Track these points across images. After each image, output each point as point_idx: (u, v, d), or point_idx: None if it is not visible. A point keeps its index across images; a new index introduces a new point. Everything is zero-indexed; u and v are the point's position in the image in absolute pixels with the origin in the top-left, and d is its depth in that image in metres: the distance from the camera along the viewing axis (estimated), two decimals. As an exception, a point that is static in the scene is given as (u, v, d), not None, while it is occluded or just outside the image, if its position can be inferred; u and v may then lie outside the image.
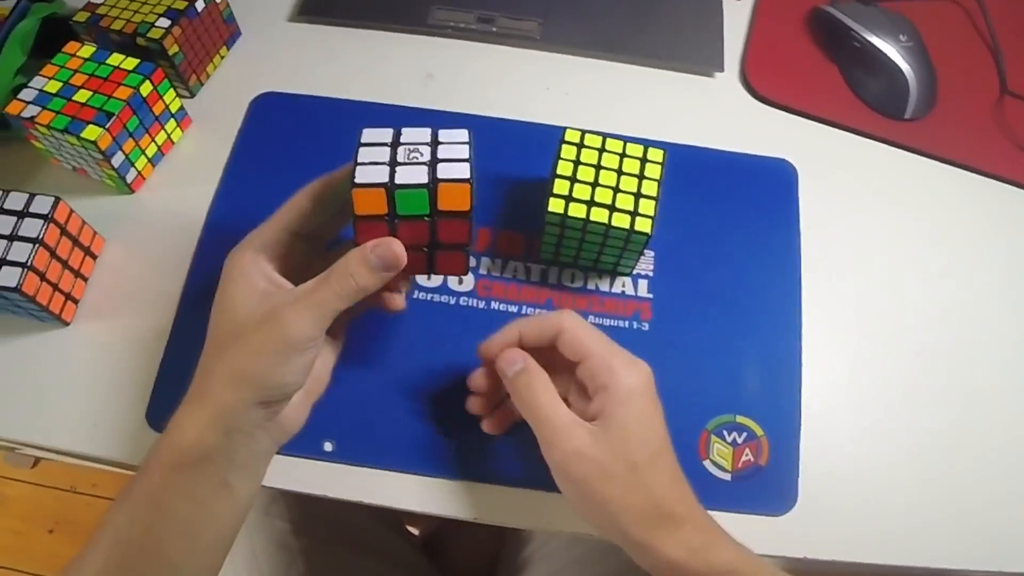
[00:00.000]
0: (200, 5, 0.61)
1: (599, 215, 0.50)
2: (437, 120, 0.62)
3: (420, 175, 0.42)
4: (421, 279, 0.55)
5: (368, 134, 0.44)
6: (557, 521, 0.49)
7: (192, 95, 0.64)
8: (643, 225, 0.50)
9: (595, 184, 0.51)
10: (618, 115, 0.64)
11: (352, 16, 0.68)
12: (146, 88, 0.56)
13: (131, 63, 0.56)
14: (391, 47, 0.67)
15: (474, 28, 0.67)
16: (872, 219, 0.61)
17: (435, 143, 0.44)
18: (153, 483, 0.41)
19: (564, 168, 0.51)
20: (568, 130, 0.53)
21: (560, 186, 0.51)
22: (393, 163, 0.43)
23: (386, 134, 0.45)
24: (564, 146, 0.52)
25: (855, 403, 0.54)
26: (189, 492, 0.41)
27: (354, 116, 0.62)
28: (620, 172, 0.52)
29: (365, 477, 0.50)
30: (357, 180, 0.41)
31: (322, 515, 0.70)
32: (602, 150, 0.52)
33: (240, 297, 0.43)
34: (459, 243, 0.45)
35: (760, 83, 0.67)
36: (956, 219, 0.62)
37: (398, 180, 0.42)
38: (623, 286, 0.56)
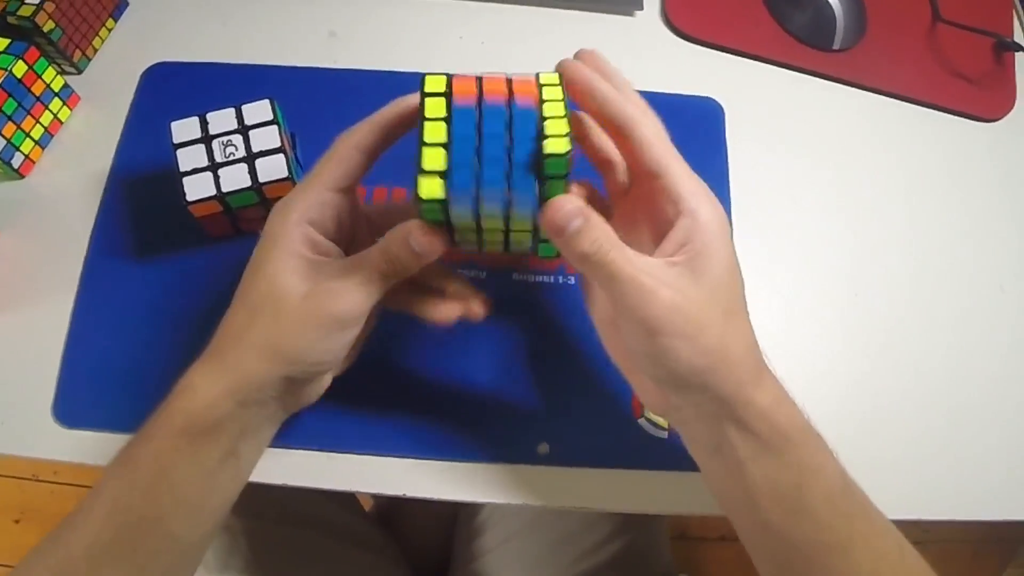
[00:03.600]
0: (76, -24, 0.57)
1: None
2: (344, 79, 0.59)
3: (243, 177, 0.48)
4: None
5: (177, 130, 0.48)
6: (511, 494, 0.48)
7: (79, 71, 0.60)
8: (556, 145, 0.35)
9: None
10: (536, 61, 0.59)
11: (248, -26, 0.64)
12: (20, 69, 0.52)
13: (1, 43, 0.53)
14: (291, 6, 0.64)
15: (379, -21, 0.64)
16: (803, 155, 0.60)
17: (244, 129, 0.48)
18: (158, 447, 0.39)
19: (433, 132, 0.36)
20: (427, 77, 0.38)
21: (431, 158, 0.35)
22: (214, 166, 0.48)
23: (194, 125, 0.48)
24: (427, 101, 0.37)
25: (792, 349, 0.52)
26: (197, 460, 0.39)
27: (254, 81, 0.59)
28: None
29: (312, 461, 0.48)
30: (188, 198, 0.47)
31: (265, 494, 0.68)
32: (480, 94, 0.37)
33: (282, 263, 0.39)
34: None
35: (682, 20, 0.64)
36: (890, 150, 0.61)
37: (225, 189, 0.47)
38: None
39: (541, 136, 0.35)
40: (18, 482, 1.39)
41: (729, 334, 0.37)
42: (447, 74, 0.38)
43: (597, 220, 0.36)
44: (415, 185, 0.35)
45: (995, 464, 0.51)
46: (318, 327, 0.38)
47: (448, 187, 0.35)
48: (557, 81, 0.39)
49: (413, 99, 0.39)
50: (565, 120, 0.36)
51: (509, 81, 0.37)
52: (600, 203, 0.44)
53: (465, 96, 0.36)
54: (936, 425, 0.51)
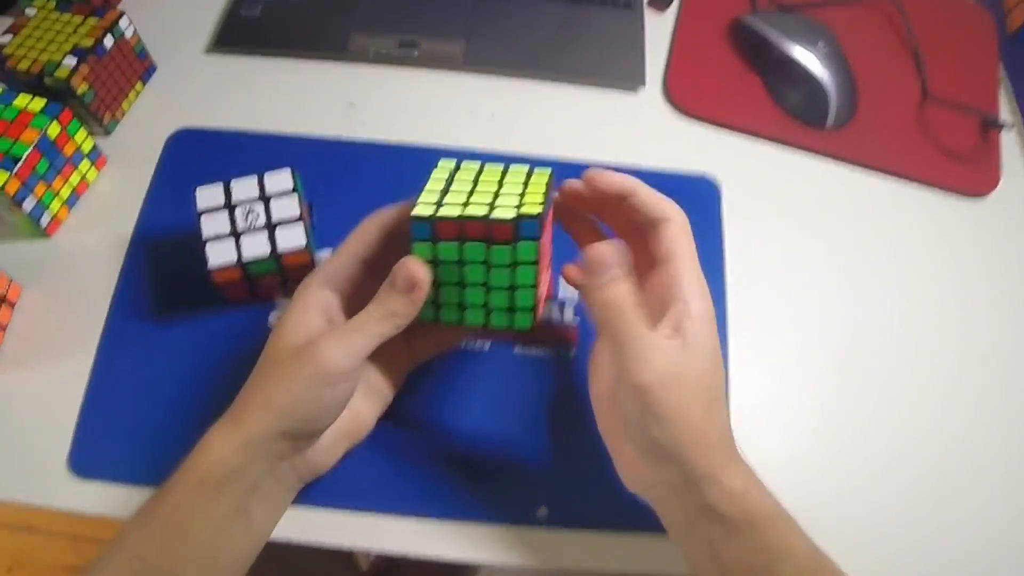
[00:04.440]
0: (109, 42, 0.60)
1: (476, 209, 0.41)
2: (361, 152, 0.62)
3: (263, 246, 0.50)
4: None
5: (201, 196, 0.51)
6: (510, 555, 0.49)
7: (107, 133, 0.62)
8: (529, 208, 0.40)
9: (471, 193, 0.43)
10: (542, 135, 0.64)
11: (270, 45, 0.67)
12: (54, 130, 0.55)
13: (38, 104, 0.55)
14: (311, 76, 0.67)
15: (396, 53, 0.67)
16: (796, 230, 0.62)
17: (266, 198, 0.51)
18: (174, 501, 0.40)
19: (433, 185, 0.44)
20: (441, 160, 0.46)
21: (428, 196, 0.42)
22: (236, 233, 0.50)
23: (217, 191, 0.51)
24: (435, 171, 0.45)
25: (783, 420, 0.54)
26: (208, 514, 0.40)
27: (274, 150, 0.61)
28: (501, 184, 0.44)
29: (313, 517, 0.49)
30: (210, 264, 0.49)
31: (265, 550, 0.69)
32: (480, 172, 0.46)
33: (292, 326, 0.42)
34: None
35: (682, 97, 0.67)
36: (881, 226, 0.63)
37: (245, 257, 0.49)
38: (548, 312, 0.55)
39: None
40: (13, 532, 1.37)
41: (710, 418, 0.40)
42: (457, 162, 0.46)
43: (626, 278, 0.40)
44: (412, 210, 0.40)
45: (978, 538, 0.51)
46: (305, 380, 0.40)
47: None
48: (548, 173, 0.45)
49: None
50: (540, 196, 0.41)
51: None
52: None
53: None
54: (923, 498, 0.52)
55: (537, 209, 0.40)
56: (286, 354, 0.41)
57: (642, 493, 0.44)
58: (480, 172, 0.45)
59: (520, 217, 0.39)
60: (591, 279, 0.41)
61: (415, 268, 0.40)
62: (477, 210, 0.40)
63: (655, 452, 0.40)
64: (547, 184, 0.43)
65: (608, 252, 0.40)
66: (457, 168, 0.45)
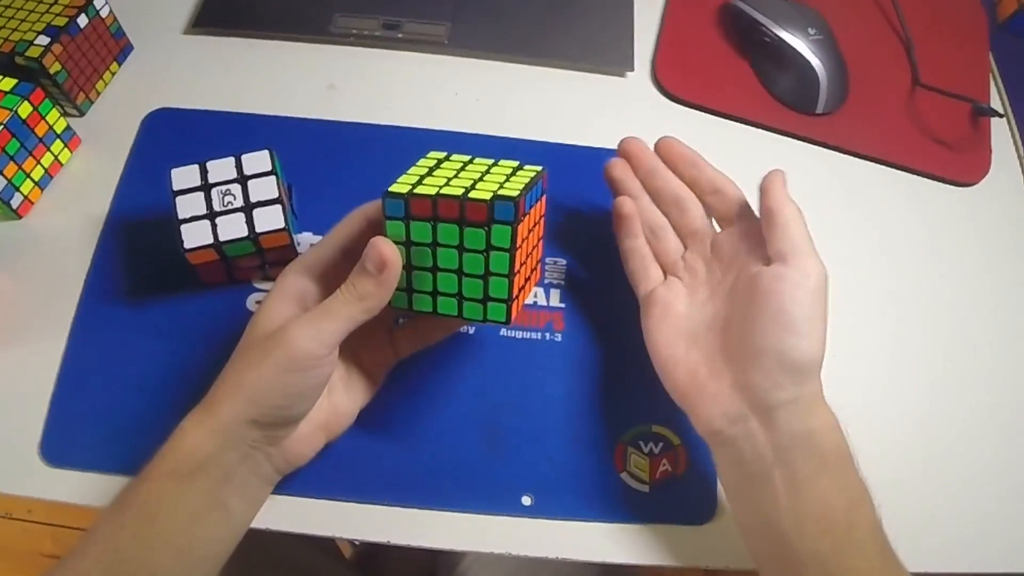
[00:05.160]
0: (83, 21, 0.58)
1: (450, 190, 0.40)
2: (343, 133, 0.60)
3: (240, 227, 0.48)
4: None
5: (177, 177, 0.49)
6: (494, 543, 0.48)
7: (81, 114, 0.61)
8: (507, 191, 0.39)
9: (452, 179, 0.41)
10: (528, 119, 0.63)
11: (250, 26, 0.66)
12: (25, 109, 0.53)
13: (8, 83, 0.53)
14: (291, 57, 0.65)
15: (379, 35, 0.65)
16: (786, 216, 0.61)
17: (243, 179, 0.49)
18: (148, 489, 0.40)
19: (416, 170, 0.43)
20: (431, 152, 0.45)
21: (407, 178, 0.41)
22: (212, 214, 0.48)
23: (193, 173, 0.49)
24: (424, 158, 0.44)
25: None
26: (181, 503, 0.40)
27: (253, 130, 0.60)
28: (486, 173, 0.42)
29: (296, 506, 0.48)
30: (186, 245, 0.47)
31: (248, 537, 0.68)
32: (466, 163, 0.44)
33: (267, 312, 0.42)
34: (287, 256, 0.50)
35: (671, 82, 0.66)
36: (870, 213, 0.63)
37: (222, 237, 0.48)
38: (535, 296, 0.55)
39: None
40: (-11, 519, 1.38)
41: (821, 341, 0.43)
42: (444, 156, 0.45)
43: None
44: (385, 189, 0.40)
45: (964, 521, 0.52)
46: (273, 365, 0.39)
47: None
48: (539, 170, 0.44)
49: None
50: (521, 184, 0.41)
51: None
52: None
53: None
54: (910, 482, 0.52)
55: (514, 192, 0.39)
56: (257, 340, 0.41)
57: (725, 431, 0.43)
58: (467, 163, 0.44)
59: (496, 198, 0.39)
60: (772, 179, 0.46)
61: (385, 248, 0.39)
62: (453, 191, 0.39)
63: (788, 369, 0.42)
64: (535, 178, 0.42)
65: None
66: (446, 158, 0.44)
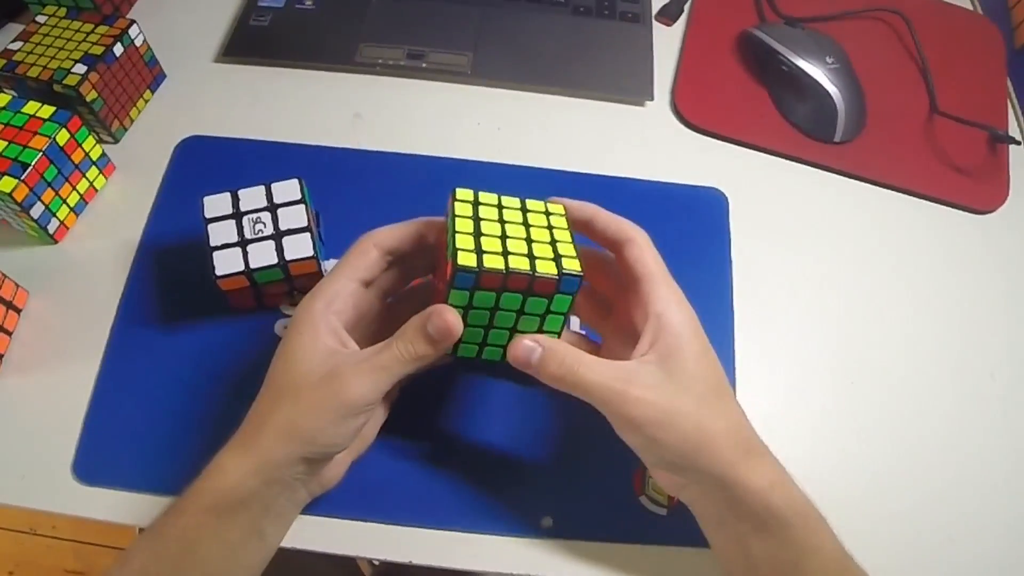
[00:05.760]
0: (118, 50, 0.60)
1: (519, 263, 0.41)
2: (368, 161, 0.62)
3: (270, 255, 0.50)
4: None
5: (209, 205, 0.51)
6: (513, 564, 0.49)
7: (116, 141, 0.63)
8: (571, 263, 0.41)
9: (504, 237, 0.42)
10: (549, 148, 0.64)
11: (278, 56, 0.68)
12: (63, 137, 0.55)
13: (47, 111, 0.55)
14: (319, 86, 0.67)
15: (403, 64, 0.67)
16: (804, 245, 0.62)
17: (273, 207, 0.51)
18: (186, 523, 0.40)
19: (463, 225, 0.42)
20: (458, 189, 0.45)
21: (463, 240, 0.41)
22: (243, 242, 0.50)
23: (225, 201, 0.51)
24: (457, 204, 0.44)
25: (790, 433, 0.54)
26: (222, 536, 0.41)
27: (281, 158, 0.62)
28: (527, 226, 0.44)
29: (319, 525, 0.49)
30: (217, 272, 0.49)
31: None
32: (500, 207, 0.45)
33: (304, 350, 0.42)
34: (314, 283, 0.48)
35: (690, 111, 0.67)
36: (889, 241, 0.63)
37: (252, 265, 0.49)
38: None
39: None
40: (15, 535, 1.38)
41: (706, 418, 0.40)
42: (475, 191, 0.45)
43: (556, 345, 0.41)
44: (453, 257, 0.40)
45: (981, 546, 0.51)
46: (331, 412, 0.40)
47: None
48: (562, 212, 0.46)
49: (434, 219, 0.46)
50: (572, 245, 0.43)
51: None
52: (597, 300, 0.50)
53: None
54: (929, 511, 0.52)
55: (578, 265, 0.41)
56: (305, 380, 0.41)
57: (676, 495, 0.45)
58: (501, 205, 0.45)
59: (563, 274, 0.40)
60: (527, 364, 0.42)
61: (452, 320, 0.41)
62: (520, 262, 0.41)
63: (668, 466, 0.42)
64: (569, 226, 0.44)
65: (517, 343, 0.42)
66: (477, 201, 0.45)
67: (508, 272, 0.40)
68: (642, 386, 0.40)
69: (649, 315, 0.42)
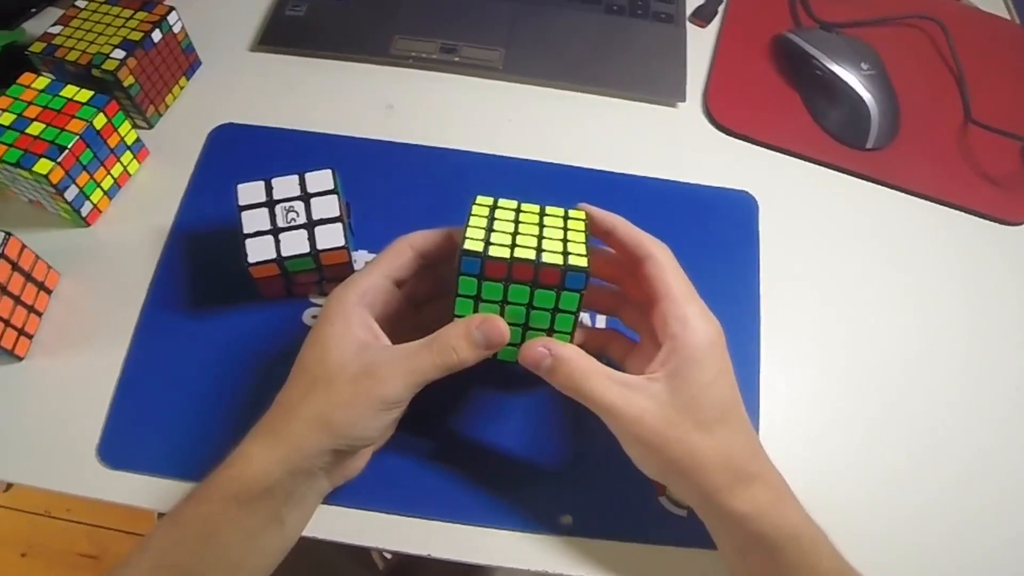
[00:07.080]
0: (156, 36, 0.60)
1: (525, 252, 0.41)
2: (399, 153, 0.62)
3: (302, 243, 0.50)
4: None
5: (243, 193, 0.51)
6: (532, 561, 0.49)
7: (150, 126, 0.63)
8: (578, 260, 0.41)
9: (515, 234, 0.43)
10: (579, 146, 0.64)
11: (313, 46, 0.68)
12: (100, 121, 0.55)
13: (85, 95, 0.56)
14: (352, 77, 0.67)
15: (436, 58, 0.67)
16: (833, 251, 0.61)
17: (306, 196, 0.51)
18: (208, 511, 0.41)
19: (477, 221, 0.44)
20: (479, 196, 0.46)
21: (474, 232, 0.42)
22: (276, 230, 0.50)
23: (259, 189, 0.52)
24: (475, 207, 0.45)
25: (814, 438, 0.54)
26: (243, 524, 0.41)
27: (314, 148, 0.62)
28: (542, 226, 0.44)
29: (337, 516, 0.49)
30: (250, 259, 0.49)
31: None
32: (518, 210, 0.46)
33: (336, 340, 0.42)
34: (344, 273, 0.50)
35: (722, 113, 0.67)
36: (918, 250, 0.62)
37: (284, 253, 0.50)
38: (581, 321, 0.55)
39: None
40: (29, 517, 1.39)
41: (699, 444, 0.41)
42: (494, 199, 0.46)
43: (566, 354, 0.42)
44: (461, 244, 0.41)
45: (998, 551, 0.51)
46: (365, 406, 0.41)
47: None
48: (583, 217, 0.46)
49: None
50: (583, 244, 0.43)
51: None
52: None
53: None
54: (953, 520, 0.52)
55: (584, 261, 0.41)
56: (340, 372, 0.41)
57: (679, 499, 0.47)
58: (519, 209, 0.46)
59: (568, 268, 0.41)
60: (536, 368, 0.43)
61: (504, 328, 0.42)
62: (526, 253, 0.41)
63: (664, 477, 0.44)
64: (586, 230, 0.44)
65: (530, 346, 0.43)
66: (495, 206, 0.46)
67: (512, 260, 0.41)
68: (642, 407, 0.41)
69: (666, 336, 0.42)
